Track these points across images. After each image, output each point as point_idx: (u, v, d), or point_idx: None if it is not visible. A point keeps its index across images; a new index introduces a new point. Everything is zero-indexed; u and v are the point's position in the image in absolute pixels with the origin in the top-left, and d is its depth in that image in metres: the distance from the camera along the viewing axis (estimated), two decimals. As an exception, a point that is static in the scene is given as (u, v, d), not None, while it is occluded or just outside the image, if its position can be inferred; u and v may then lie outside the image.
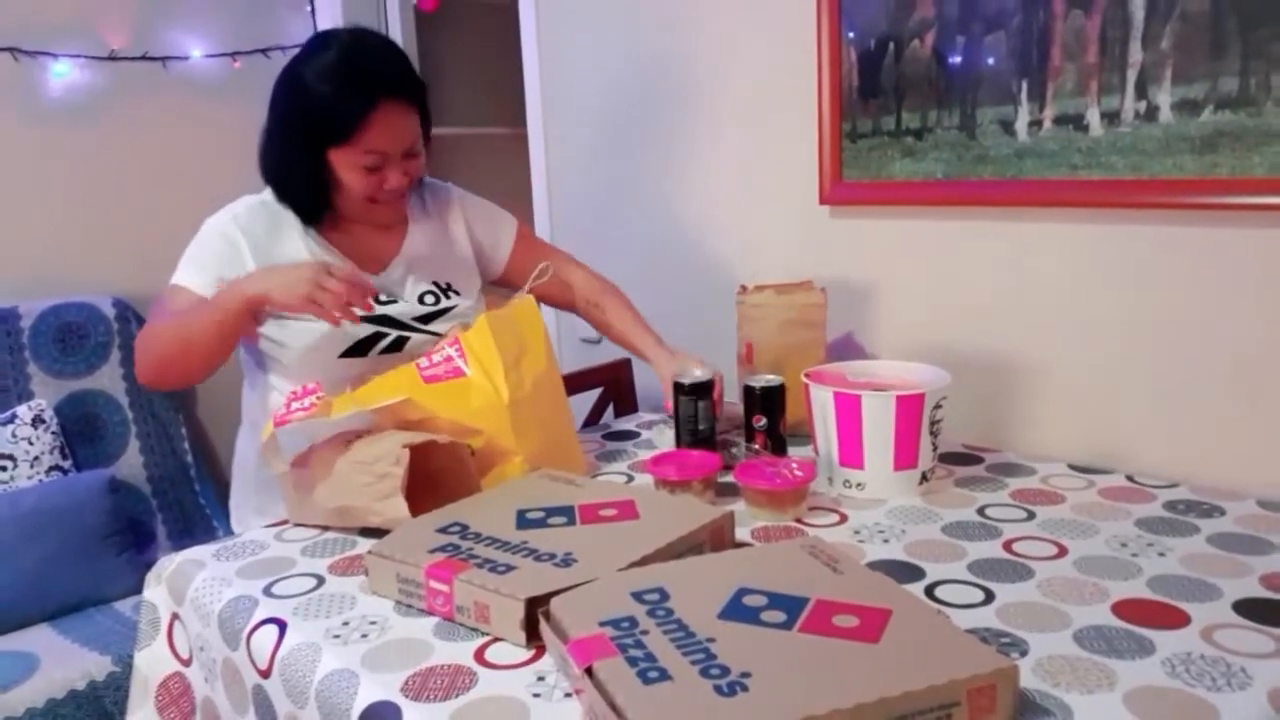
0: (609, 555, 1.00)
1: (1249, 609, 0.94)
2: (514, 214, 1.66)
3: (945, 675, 0.75)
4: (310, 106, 1.30)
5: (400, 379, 1.30)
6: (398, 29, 2.89)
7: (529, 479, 1.27)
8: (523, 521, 1.11)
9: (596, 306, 1.64)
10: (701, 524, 1.08)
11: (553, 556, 1.01)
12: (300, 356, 1.37)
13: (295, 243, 1.40)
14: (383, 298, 1.42)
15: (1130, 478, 1.32)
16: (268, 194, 1.42)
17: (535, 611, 0.91)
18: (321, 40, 1.35)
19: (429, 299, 1.47)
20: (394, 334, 1.41)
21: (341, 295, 1.21)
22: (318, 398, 1.24)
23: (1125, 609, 0.95)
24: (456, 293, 1.50)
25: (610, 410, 1.92)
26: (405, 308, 1.43)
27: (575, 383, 1.92)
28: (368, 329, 1.38)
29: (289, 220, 1.40)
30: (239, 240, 1.36)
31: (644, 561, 0.99)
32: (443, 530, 1.09)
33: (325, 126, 1.30)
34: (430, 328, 1.44)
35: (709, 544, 1.08)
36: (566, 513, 1.13)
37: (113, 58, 2.50)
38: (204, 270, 1.35)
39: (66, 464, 2.21)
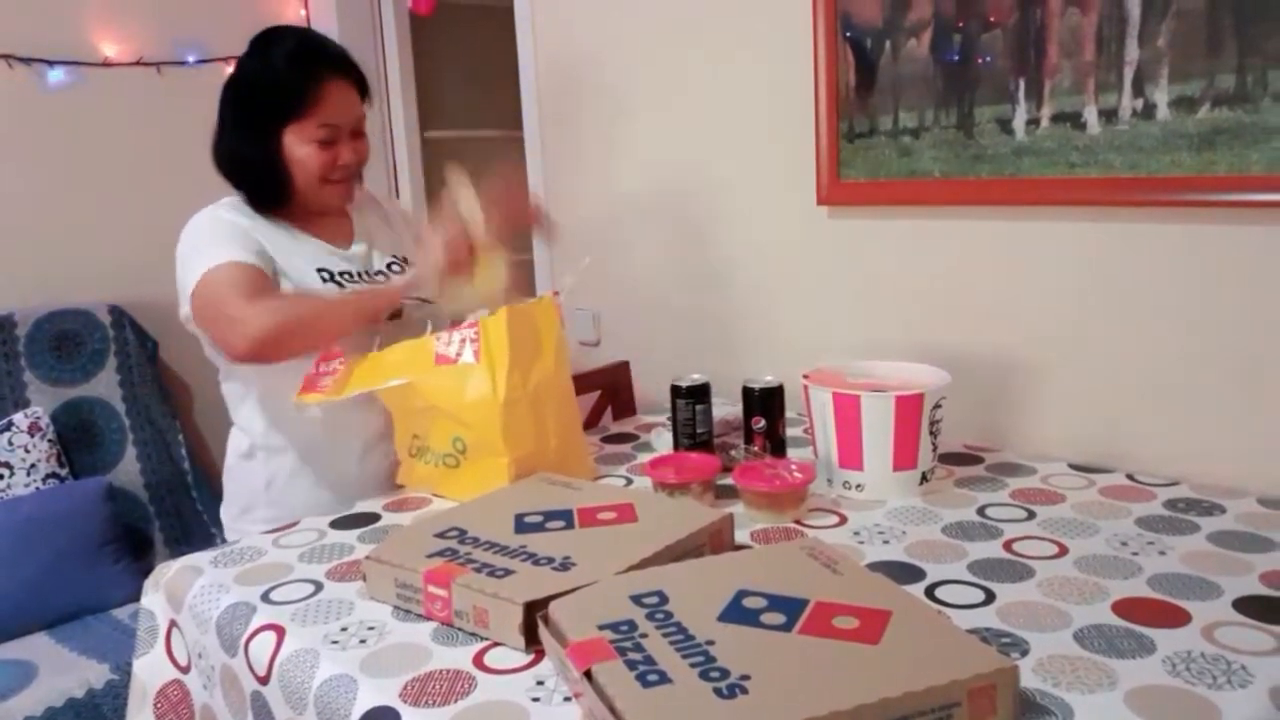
0: (607, 558, 1.00)
1: (1249, 607, 0.93)
2: None
3: (946, 676, 0.75)
4: (265, 86, 1.38)
5: (416, 352, 1.33)
6: (393, 32, 2.89)
7: (527, 483, 1.27)
8: (521, 525, 1.11)
9: None
10: (701, 526, 1.08)
11: (551, 560, 1.00)
12: None
13: (277, 231, 1.44)
14: (364, 276, 1.49)
15: (1130, 476, 1.31)
16: (229, 201, 1.46)
17: (534, 615, 0.91)
18: (270, 34, 1.44)
19: (395, 268, 1.54)
20: None
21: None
22: (341, 362, 1.31)
23: (1126, 608, 0.94)
24: (414, 265, 1.57)
25: (609, 413, 1.92)
26: (391, 283, 1.50)
27: (574, 385, 1.91)
28: None
29: (261, 218, 1.44)
30: (243, 223, 1.39)
31: (642, 565, 0.99)
32: (440, 535, 1.09)
33: (280, 102, 1.38)
34: (415, 295, 1.50)
35: (709, 547, 1.08)
36: (565, 516, 1.13)
37: (107, 64, 2.50)
38: (242, 246, 1.36)
39: (63, 471, 2.20)
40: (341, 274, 1.45)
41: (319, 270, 1.43)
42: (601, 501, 1.17)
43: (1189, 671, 0.83)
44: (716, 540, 1.09)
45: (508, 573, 0.98)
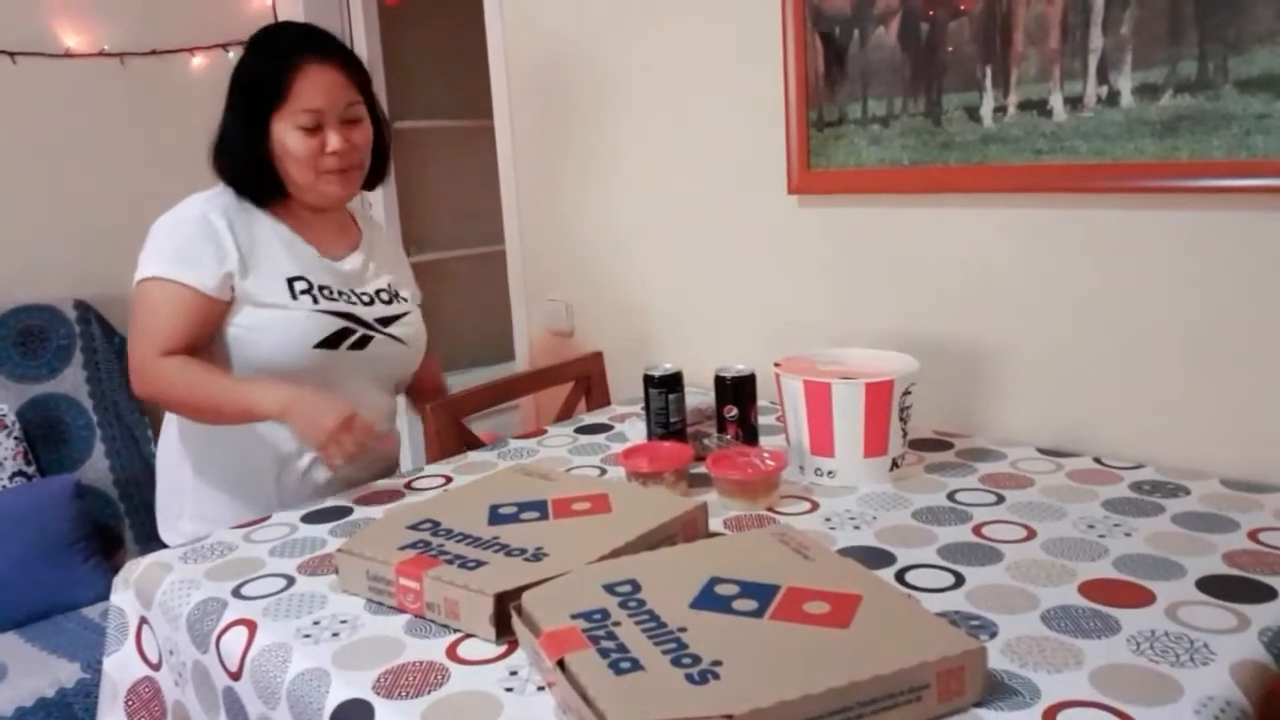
0: (580, 549, 1.00)
1: (1212, 586, 0.95)
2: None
3: (914, 658, 0.75)
4: (246, 77, 1.39)
5: None
6: (360, 22, 2.87)
7: (502, 474, 1.27)
8: (495, 517, 1.11)
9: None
10: (674, 516, 1.08)
11: (523, 551, 1.01)
12: (277, 346, 1.38)
13: (266, 230, 1.43)
14: (345, 295, 1.47)
15: (1098, 460, 1.33)
16: (221, 190, 1.44)
17: (505, 607, 0.91)
18: (264, 28, 1.45)
19: (384, 296, 1.53)
20: (360, 331, 1.46)
21: (349, 452, 1.29)
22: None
23: (1092, 589, 0.96)
24: (405, 299, 1.57)
25: (582, 404, 1.92)
26: (364, 310, 1.48)
27: (548, 377, 1.91)
28: (338, 324, 1.43)
29: (254, 210, 1.43)
30: (220, 227, 1.37)
31: (614, 554, 0.99)
32: (414, 527, 1.09)
33: (260, 91, 1.37)
34: (389, 330, 1.50)
35: (681, 535, 1.08)
36: (539, 507, 1.13)
37: (69, 55, 2.46)
38: (200, 267, 1.35)
39: (30, 469, 2.17)
40: (322, 288, 1.44)
41: (294, 279, 1.41)
42: (576, 492, 1.17)
43: (1153, 650, 0.84)
44: (689, 529, 1.10)
45: (480, 564, 0.98)
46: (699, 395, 1.59)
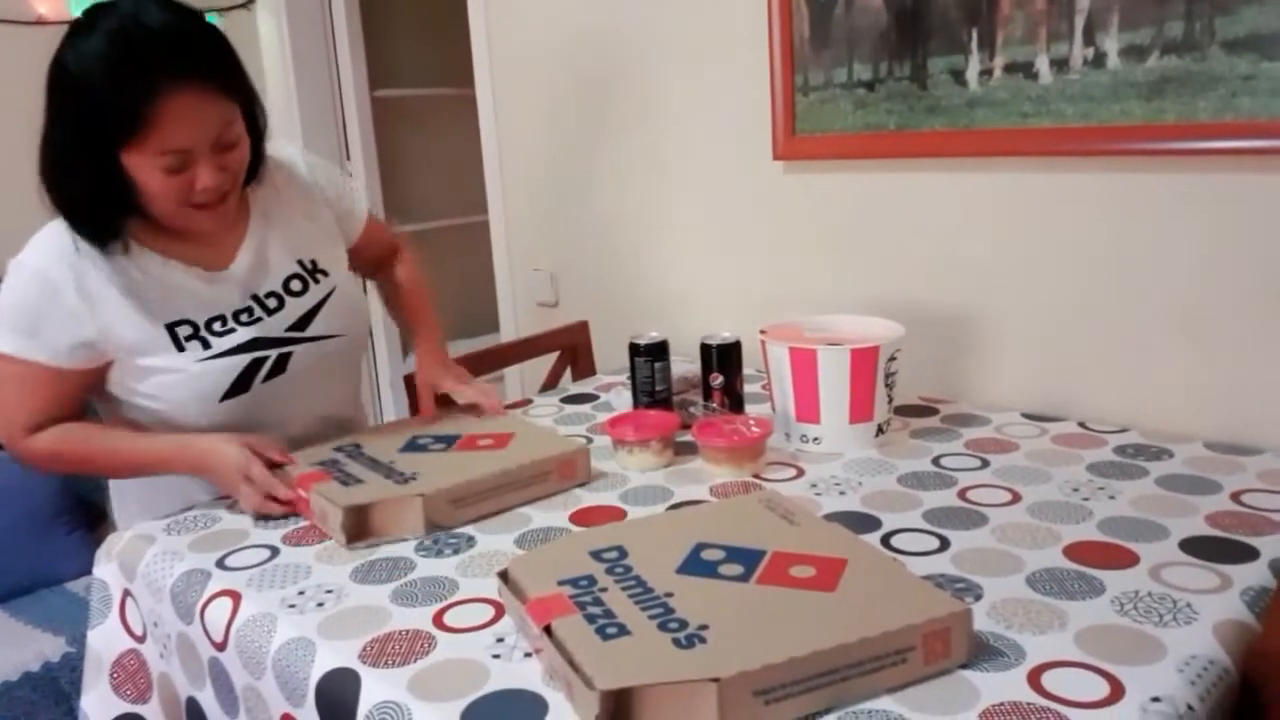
0: (445, 477, 1.13)
1: (1195, 547, 0.96)
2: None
3: (900, 621, 0.76)
4: (84, 102, 1.05)
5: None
6: (340, -11, 2.82)
7: (458, 410, 1.38)
8: (409, 445, 1.25)
9: (400, 263, 1.51)
10: (549, 455, 1.18)
11: (402, 475, 1.15)
12: (178, 409, 1.19)
13: (130, 268, 1.17)
14: (243, 317, 1.22)
15: (1082, 424, 1.34)
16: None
17: (354, 517, 1.06)
18: (88, 16, 1.07)
19: (295, 284, 1.27)
20: (273, 354, 1.23)
21: (262, 489, 1.15)
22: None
23: (1076, 551, 0.96)
24: (324, 272, 1.30)
25: (568, 374, 1.91)
26: (274, 321, 1.24)
27: (533, 346, 1.90)
28: (243, 362, 1.20)
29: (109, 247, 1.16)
30: (64, 284, 1.13)
31: (469, 485, 1.12)
32: (339, 448, 1.25)
33: (106, 125, 1.04)
34: (311, 331, 1.26)
35: (556, 474, 1.19)
36: (450, 440, 1.26)
37: (41, 23, 2.41)
38: (45, 338, 1.13)
39: (12, 443, 2.16)
40: (212, 323, 1.19)
41: (174, 325, 1.17)
42: (489, 430, 1.28)
43: (1136, 610, 0.85)
44: (566, 469, 1.19)
45: (359, 482, 1.13)
46: (685, 364, 1.58)
